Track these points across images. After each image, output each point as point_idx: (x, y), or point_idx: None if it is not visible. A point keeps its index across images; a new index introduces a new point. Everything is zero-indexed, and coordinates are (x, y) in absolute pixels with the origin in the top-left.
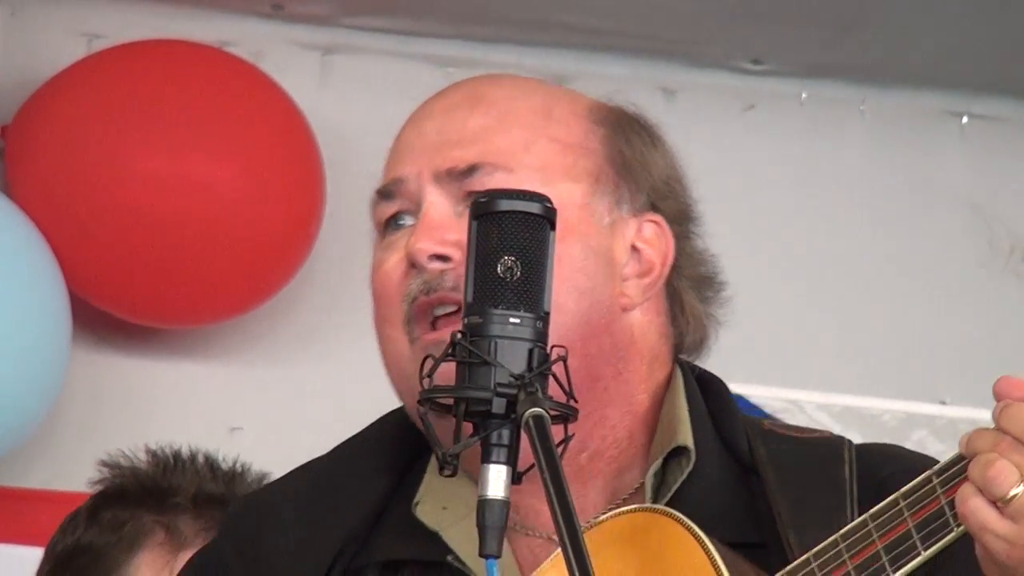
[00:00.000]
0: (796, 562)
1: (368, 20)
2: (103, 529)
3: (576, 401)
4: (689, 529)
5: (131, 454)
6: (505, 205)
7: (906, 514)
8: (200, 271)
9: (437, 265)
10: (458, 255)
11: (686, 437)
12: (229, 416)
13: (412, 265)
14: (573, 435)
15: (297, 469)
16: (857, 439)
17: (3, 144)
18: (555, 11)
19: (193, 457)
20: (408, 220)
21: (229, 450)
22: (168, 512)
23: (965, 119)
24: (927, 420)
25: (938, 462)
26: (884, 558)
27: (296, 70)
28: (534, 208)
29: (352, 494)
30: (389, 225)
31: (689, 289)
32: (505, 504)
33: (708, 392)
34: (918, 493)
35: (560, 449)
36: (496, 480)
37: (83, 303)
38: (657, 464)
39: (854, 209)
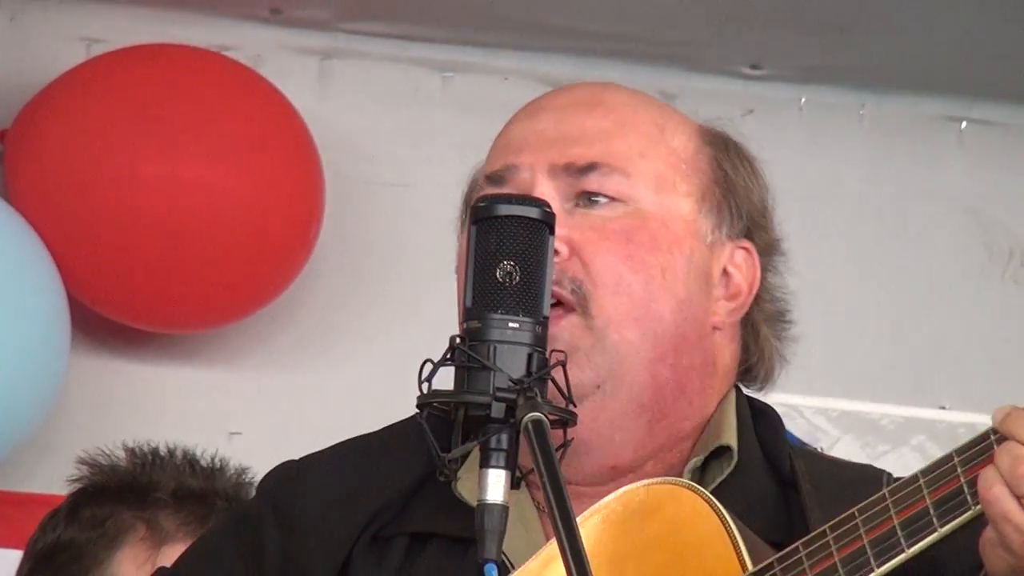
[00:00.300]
0: (813, 533)
1: (366, 25)
2: (83, 526)
3: (575, 405)
4: (706, 499)
5: (110, 452)
6: (504, 210)
7: (925, 491)
8: (199, 276)
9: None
10: (565, 250)
11: (730, 438)
12: (228, 421)
13: None
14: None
15: (340, 443)
16: (856, 444)
17: (2, 148)
18: (553, 16)
19: (172, 453)
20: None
21: (228, 455)
22: (148, 508)
23: (964, 124)
24: (926, 425)
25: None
26: (900, 533)
27: (295, 75)
28: (533, 213)
29: (392, 466)
30: None
31: (764, 322)
32: (504, 509)
33: (758, 414)
34: (938, 471)
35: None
36: (495, 485)
37: (82, 307)
38: (699, 460)
39: (852, 214)
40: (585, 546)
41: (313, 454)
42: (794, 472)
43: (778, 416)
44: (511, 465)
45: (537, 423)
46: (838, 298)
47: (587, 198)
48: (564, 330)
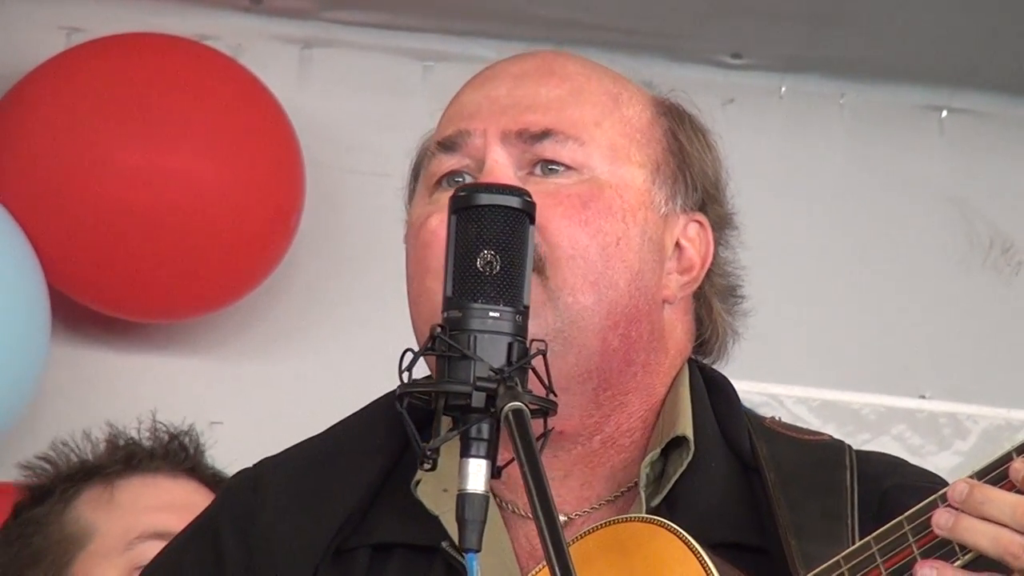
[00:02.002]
0: (824, 566)
1: (347, 14)
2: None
3: (555, 395)
4: (684, 540)
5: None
6: (484, 199)
7: (911, 540)
8: (180, 265)
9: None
10: None
11: (686, 427)
12: (209, 410)
13: None
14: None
15: (294, 446)
16: (836, 434)
17: None
18: (534, 5)
19: (116, 437)
20: (466, 179)
21: (208, 444)
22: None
23: (945, 113)
24: (906, 414)
25: (938, 476)
26: None
27: (275, 64)
28: (513, 202)
29: (349, 474)
30: (441, 183)
31: (716, 296)
32: (485, 498)
33: (713, 389)
34: (923, 519)
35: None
36: (476, 474)
37: (63, 297)
38: (655, 454)
39: (833, 203)
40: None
41: (269, 459)
42: (755, 455)
43: (733, 388)
44: (492, 455)
45: (518, 412)
46: (818, 287)
47: (543, 166)
48: None
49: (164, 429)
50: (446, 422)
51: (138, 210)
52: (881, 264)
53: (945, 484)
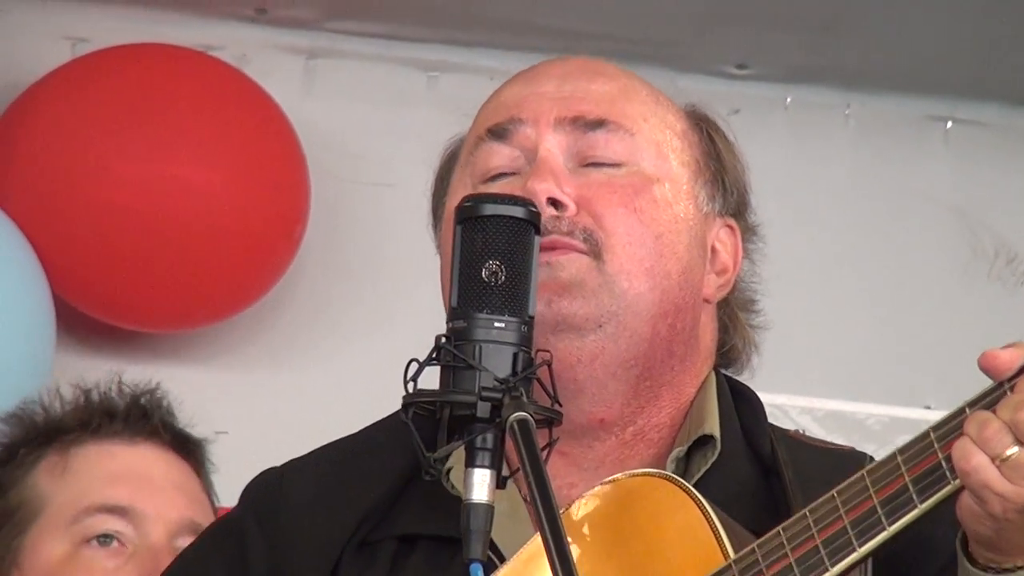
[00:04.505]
0: (793, 517)
1: (352, 24)
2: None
3: (560, 405)
4: (685, 489)
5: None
6: (490, 209)
7: (903, 469)
8: (185, 275)
9: (551, 210)
10: (572, 206)
11: (713, 427)
12: (214, 420)
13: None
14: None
15: (322, 447)
16: (841, 443)
17: None
18: (539, 15)
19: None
20: (511, 180)
21: (214, 454)
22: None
23: (949, 124)
24: (911, 425)
25: None
26: (880, 511)
27: (280, 74)
28: (518, 212)
29: (375, 469)
30: (492, 181)
31: (739, 307)
32: (489, 508)
33: (739, 398)
34: (915, 448)
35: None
36: (480, 484)
37: (67, 306)
38: (682, 450)
39: (838, 214)
40: (568, 542)
41: (295, 460)
42: (776, 459)
43: (759, 399)
44: (496, 464)
45: (522, 422)
46: (823, 298)
47: (592, 164)
48: (572, 262)
49: (128, 391)
50: None
51: (143, 220)
52: (886, 274)
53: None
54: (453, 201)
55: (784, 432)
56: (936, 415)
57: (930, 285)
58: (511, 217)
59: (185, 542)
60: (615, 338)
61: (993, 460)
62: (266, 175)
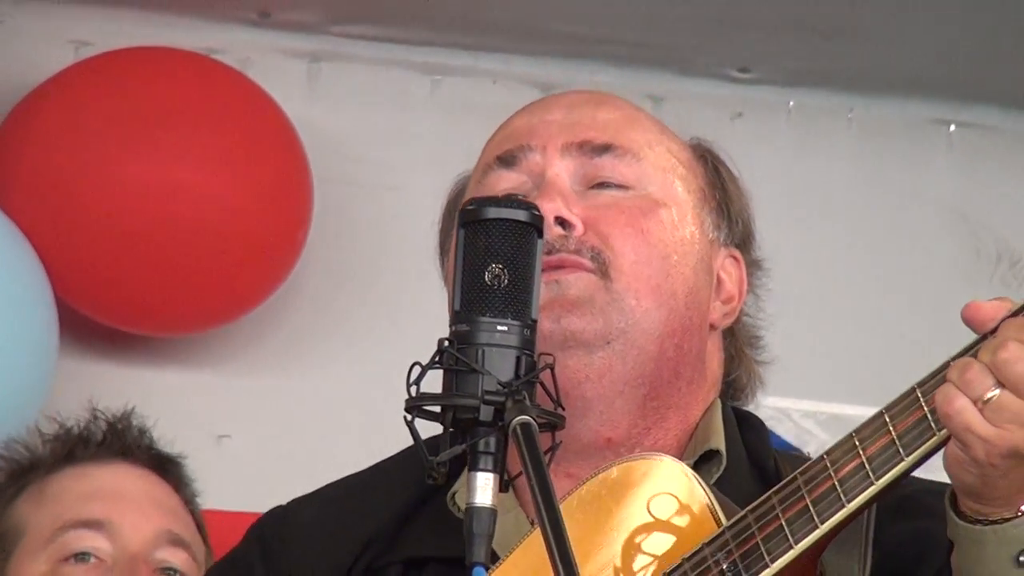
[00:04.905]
0: (783, 482)
1: (355, 28)
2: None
3: (563, 409)
4: (680, 466)
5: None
6: (492, 213)
7: (890, 425)
8: (188, 279)
9: (559, 230)
10: (580, 226)
11: (719, 443)
12: (217, 424)
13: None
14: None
15: (329, 483)
16: None
17: None
18: (543, 19)
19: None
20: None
21: (216, 458)
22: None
23: (953, 127)
24: None
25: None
26: (868, 467)
27: (283, 78)
28: (521, 216)
29: (380, 499)
30: None
31: (744, 341)
32: (492, 512)
33: (744, 423)
34: (901, 404)
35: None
36: (483, 488)
37: (70, 310)
38: (689, 463)
39: (841, 218)
40: (568, 528)
41: (301, 497)
42: (779, 475)
43: (763, 423)
44: (499, 468)
45: (525, 426)
46: (827, 301)
47: (599, 186)
48: (580, 280)
49: (102, 417)
50: None
51: (146, 223)
52: (889, 278)
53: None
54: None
55: (788, 454)
56: None
57: (933, 288)
58: (514, 220)
59: (165, 554)
60: (623, 355)
61: (975, 402)
62: (269, 178)
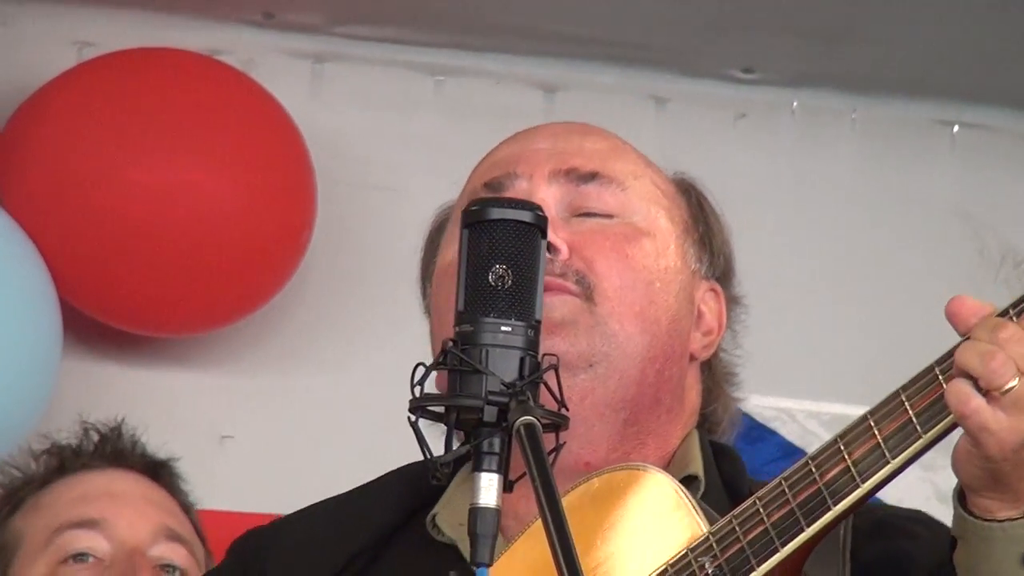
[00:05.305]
0: (769, 485)
1: (359, 29)
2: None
3: (567, 409)
4: (662, 476)
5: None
6: (496, 213)
7: (907, 404)
8: (191, 280)
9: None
10: (565, 250)
11: (697, 468)
12: (220, 425)
13: None
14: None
15: (310, 505)
16: None
17: None
18: (546, 20)
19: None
20: None
21: (220, 458)
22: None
23: (956, 128)
24: None
25: (944, 526)
26: (853, 470)
27: (287, 78)
28: (525, 216)
29: (362, 519)
30: None
31: (722, 377)
32: (496, 512)
33: (721, 453)
34: (920, 382)
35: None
36: (488, 488)
37: (74, 311)
38: None
39: (845, 218)
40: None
41: (283, 517)
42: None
43: (739, 455)
44: (503, 469)
45: (529, 427)
46: (830, 301)
47: (584, 214)
48: (564, 303)
49: (93, 428)
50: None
51: (149, 224)
52: (892, 279)
53: (930, 526)
54: (443, 257)
55: (766, 483)
56: None
57: (936, 288)
58: (518, 221)
59: (163, 550)
60: (605, 379)
61: (992, 392)
62: (273, 179)
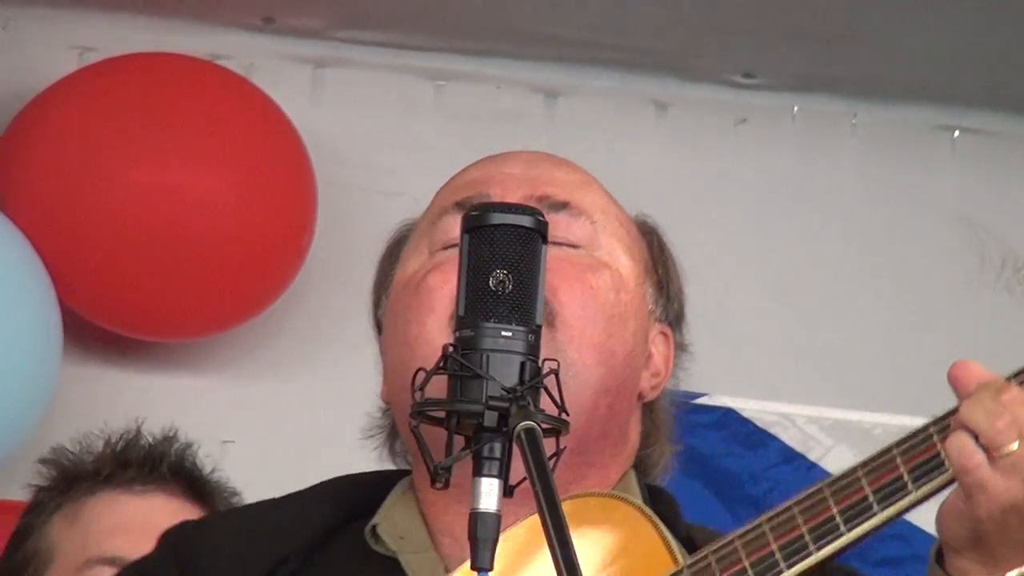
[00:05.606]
0: (781, 512)
1: (359, 33)
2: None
3: (567, 414)
4: (639, 509)
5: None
6: (497, 218)
7: (899, 460)
8: (192, 284)
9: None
10: None
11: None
12: (221, 429)
13: None
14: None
15: (242, 505)
16: (849, 453)
17: None
18: (547, 25)
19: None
20: None
21: (221, 463)
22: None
23: (957, 133)
24: None
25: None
26: (872, 498)
27: (288, 83)
28: (526, 221)
29: (295, 520)
30: (444, 247)
31: (661, 418)
32: (497, 517)
33: (656, 495)
34: (913, 441)
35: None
36: (488, 493)
37: (74, 316)
38: None
39: (845, 223)
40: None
41: (213, 514)
42: (695, 546)
43: (675, 499)
44: (504, 474)
45: (530, 431)
46: (830, 306)
47: (552, 242)
48: None
49: (145, 439)
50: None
51: (150, 229)
52: (893, 284)
53: None
54: (404, 270)
55: (703, 528)
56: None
57: (937, 294)
58: (518, 226)
59: None
60: None
61: (992, 451)
62: (273, 184)
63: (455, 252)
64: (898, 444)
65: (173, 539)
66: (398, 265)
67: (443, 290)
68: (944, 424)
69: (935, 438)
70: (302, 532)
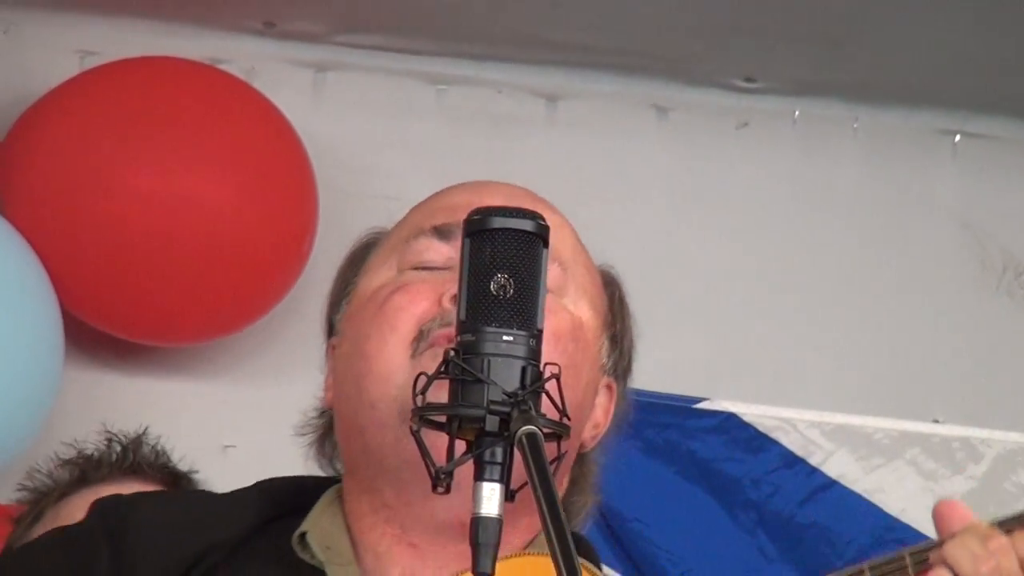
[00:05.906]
0: None
1: (360, 37)
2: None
3: (569, 419)
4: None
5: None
6: (498, 222)
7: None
8: (193, 288)
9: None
10: None
11: None
12: (222, 434)
13: (442, 306)
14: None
15: (171, 491)
16: (850, 458)
17: None
18: (548, 29)
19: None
20: (438, 274)
21: (222, 468)
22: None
23: (958, 137)
24: (920, 438)
25: None
26: None
27: (289, 87)
28: (527, 226)
29: (224, 512)
30: (419, 269)
31: (590, 469)
32: (499, 522)
33: (578, 543)
34: (887, 568)
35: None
36: (490, 498)
37: (76, 320)
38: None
39: (847, 227)
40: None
41: (142, 492)
42: None
43: (593, 546)
44: (505, 478)
45: (531, 436)
46: (831, 311)
47: None
48: None
49: (115, 438)
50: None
51: (151, 233)
52: (894, 288)
53: None
54: (369, 281)
55: None
56: (944, 429)
57: (938, 298)
58: (520, 230)
59: None
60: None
61: None
62: (274, 188)
63: (425, 274)
64: (872, 568)
65: (104, 510)
66: (362, 274)
67: (408, 311)
68: (922, 557)
69: (910, 569)
70: (233, 526)
